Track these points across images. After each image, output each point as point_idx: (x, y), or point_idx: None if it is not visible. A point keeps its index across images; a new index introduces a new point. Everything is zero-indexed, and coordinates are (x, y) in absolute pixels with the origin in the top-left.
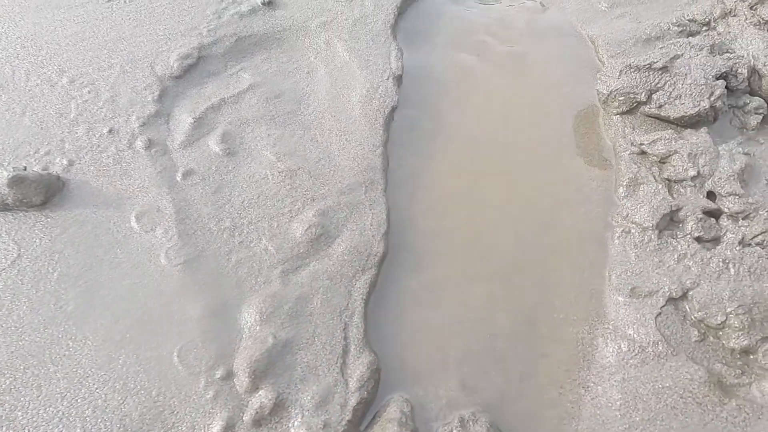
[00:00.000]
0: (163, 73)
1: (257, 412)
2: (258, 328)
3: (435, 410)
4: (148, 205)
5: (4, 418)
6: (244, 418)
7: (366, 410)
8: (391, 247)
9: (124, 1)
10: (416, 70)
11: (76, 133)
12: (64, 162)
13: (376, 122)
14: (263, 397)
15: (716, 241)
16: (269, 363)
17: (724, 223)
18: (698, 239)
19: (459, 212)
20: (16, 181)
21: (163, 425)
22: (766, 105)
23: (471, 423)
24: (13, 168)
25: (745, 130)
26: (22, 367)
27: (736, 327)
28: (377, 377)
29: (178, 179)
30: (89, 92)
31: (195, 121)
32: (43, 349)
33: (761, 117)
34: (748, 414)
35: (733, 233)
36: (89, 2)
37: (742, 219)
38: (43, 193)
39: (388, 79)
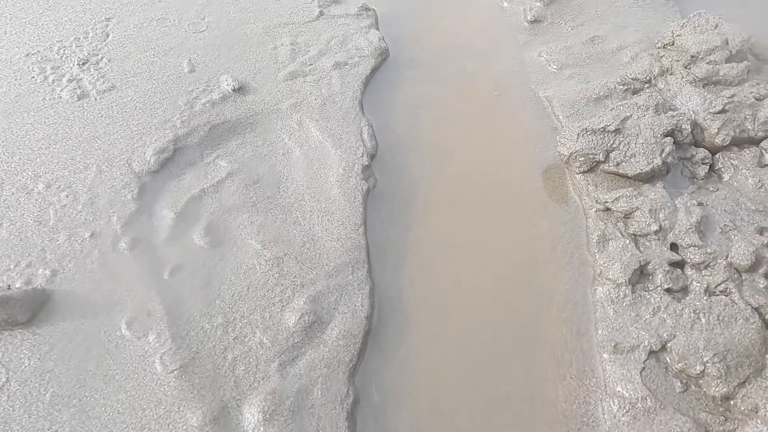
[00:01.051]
0: (140, 169)
1: None
2: (262, 429)
3: None
4: (138, 309)
5: None
6: None
7: None
8: (382, 323)
9: (95, 99)
10: (387, 141)
11: (57, 240)
12: (47, 272)
13: (355, 200)
14: None
15: (685, 290)
16: None
17: (689, 273)
18: (668, 290)
19: (442, 280)
20: (4, 301)
21: None
22: (710, 155)
23: None
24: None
25: (695, 179)
26: None
27: (714, 375)
28: None
29: (166, 277)
30: (67, 196)
31: (177, 216)
32: None
33: (707, 167)
34: None
35: (699, 282)
36: (59, 102)
37: (704, 269)
38: (29, 309)
39: (362, 156)
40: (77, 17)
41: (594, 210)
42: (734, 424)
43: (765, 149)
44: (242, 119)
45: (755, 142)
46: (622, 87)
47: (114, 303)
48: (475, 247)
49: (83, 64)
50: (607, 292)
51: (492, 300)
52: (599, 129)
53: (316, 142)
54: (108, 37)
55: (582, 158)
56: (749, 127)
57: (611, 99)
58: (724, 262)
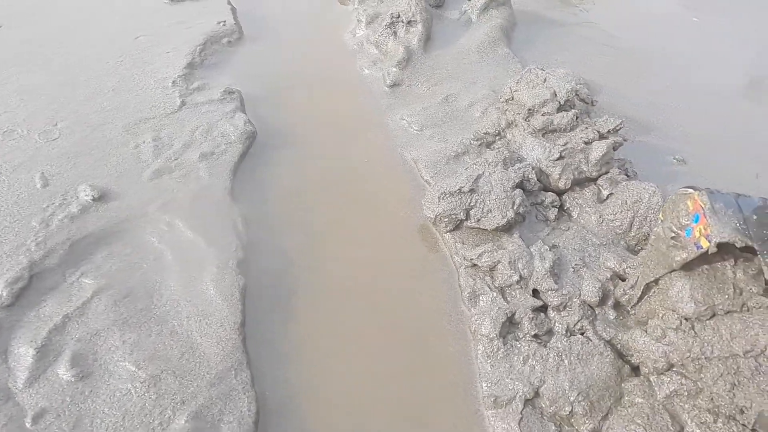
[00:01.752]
0: None
1: None
2: None
3: None
4: None
5: None
6: None
7: None
8: (272, 423)
9: None
10: (262, 229)
11: None
12: None
13: (233, 298)
14: None
15: (550, 333)
16: None
17: (552, 315)
18: (535, 336)
19: (331, 368)
20: None
21: None
22: (558, 198)
23: None
24: None
25: (548, 221)
26: None
27: (581, 414)
28: None
29: (29, 425)
30: None
31: (37, 351)
32: None
33: (557, 209)
34: None
35: (560, 324)
36: None
37: (563, 310)
38: None
39: (236, 250)
40: None
41: (463, 267)
42: None
43: (601, 186)
44: (106, 229)
45: (593, 180)
46: (476, 142)
47: None
48: (360, 328)
49: None
50: (484, 348)
51: (385, 380)
52: (456, 191)
53: (188, 242)
54: None
55: (446, 219)
56: (585, 168)
57: (468, 155)
58: (578, 301)
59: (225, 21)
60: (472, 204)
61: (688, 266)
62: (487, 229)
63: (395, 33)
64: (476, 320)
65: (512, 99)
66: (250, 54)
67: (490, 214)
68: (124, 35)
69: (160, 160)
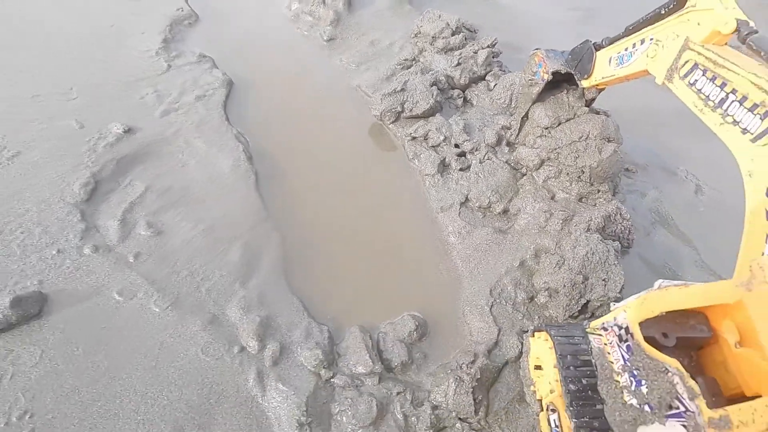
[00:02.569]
0: (74, 200)
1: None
2: (244, 315)
3: None
4: (121, 284)
5: None
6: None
7: None
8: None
9: (7, 164)
10: (255, 140)
11: (31, 262)
12: (35, 282)
13: (249, 180)
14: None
15: (469, 167)
16: (266, 330)
17: (469, 156)
18: (461, 169)
19: (328, 217)
20: (16, 301)
21: None
22: (462, 92)
23: None
24: (8, 293)
25: (458, 108)
26: None
27: (495, 201)
28: None
29: (132, 261)
30: (22, 233)
31: (120, 223)
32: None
33: (462, 99)
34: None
35: (475, 159)
36: None
37: (475, 151)
38: (37, 304)
39: (243, 151)
40: None
41: (406, 140)
42: (512, 222)
43: (489, 80)
44: (139, 151)
45: (482, 77)
46: (399, 67)
47: (99, 287)
48: (341, 186)
49: None
50: (429, 182)
51: (363, 216)
52: (392, 91)
53: (203, 151)
54: None
55: (389, 113)
56: (476, 69)
57: (395, 75)
58: (484, 144)
59: (182, 8)
60: (405, 99)
61: (541, 98)
62: (417, 116)
63: (324, 1)
64: (421, 167)
65: (419, 33)
66: (209, 30)
67: (418, 104)
68: (99, 24)
69: (164, 104)
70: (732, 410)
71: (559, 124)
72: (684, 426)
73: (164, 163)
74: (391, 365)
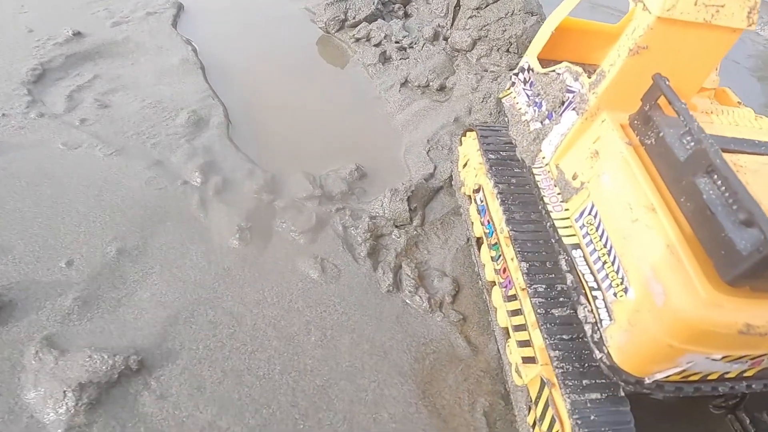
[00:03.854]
0: (21, 80)
1: None
2: (189, 160)
3: None
4: (66, 138)
5: None
6: None
7: None
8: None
9: None
10: (203, 46)
11: None
12: None
13: (197, 70)
14: None
15: (407, 56)
16: (210, 169)
17: (408, 50)
18: (401, 58)
19: (272, 95)
20: None
21: None
22: (403, 6)
23: None
24: None
25: (398, 18)
26: None
27: (433, 80)
28: None
29: (77, 124)
30: None
31: (67, 98)
32: None
33: (402, 12)
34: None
35: (413, 49)
36: None
37: (414, 45)
38: None
39: (191, 49)
40: None
41: (351, 42)
42: (448, 95)
43: None
44: (89, 50)
45: None
46: None
47: (45, 140)
48: (290, 80)
49: None
50: (371, 70)
51: (321, 111)
52: (334, 1)
53: (154, 51)
54: None
55: (332, 21)
56: None
57: None
58: (422, 38)
59: None
60: (347, 8)
61: None
62: (360, 21)
63: None
64: (362, 58)
65: None
66: None
67: (360, 11)
68: None
69: (115, 18)
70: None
71: (487, 5)
72: (574, 109)
73: (115, 60)
74: (331, 194)
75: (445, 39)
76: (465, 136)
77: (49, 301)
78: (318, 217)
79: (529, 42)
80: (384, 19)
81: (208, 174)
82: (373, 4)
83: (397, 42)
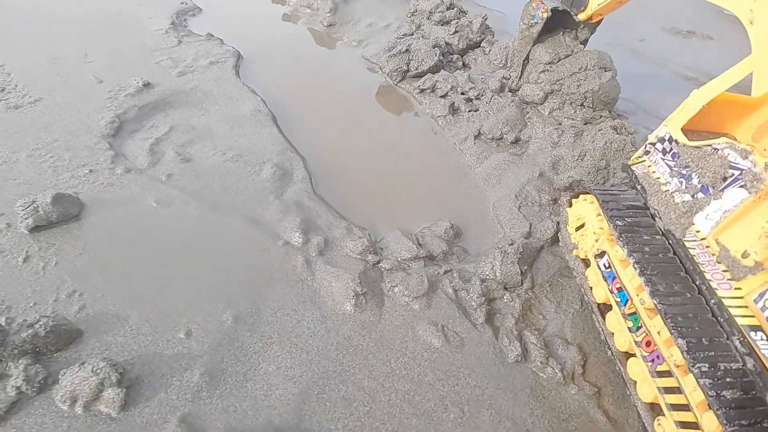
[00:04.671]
0: (101, 133)
1: None
2: (284, 217)
3: None
4: (157, 195)
5: None
6: None
7: None
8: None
9: (29, 107)
10: (269, 95)
11: (63, 178)
12: (71, 192)
13: (269, 121)
14: None
15: (477, 109)
16: (308, 227)
17: (475, 101)
18: (469, 111)
19: (343, 148)
20: (57, 198)
21: None
22: (461, 56)
23: None
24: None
25: (457, 69)
26: None
27: (507, 132)
28: None
29: (164, 180)
30: (51, 156)
31: (148, 152)
32: None
33: (461, 63)
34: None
35: (485, 99)
36: (4, 110)
37: (481, 97)
38: (78, 205)
39: (260, 101)
40: None
41: (415, 93)
42: (524, 148)
43: (483, 47)
44: (160, 101)
45: (478, 44)
46: (400, 39)
47: (135, 197)
48: (359, 131)
49: (2, 90)
50: (441, 122)
51: (385, 154)
52: (397, 52)
53: (223, 101)
54: (10, 75)
55: (395, 72)
56: (471, 37)
57: (397, 45)
58: (489, 91)
59: (185, 1)
60: (410, 59)
61: (540, 40)
62: (423, 72)
63: None
64: (430, 110)
65: (416, 11)
66: (214, 20)
67: (423, 62)
68: (107, 11)
69: (180, 68)
70: None
71: (558, 60)
72: (743, 185)
73: (186, 110)
74: (432, 255)
75: (512, 91)
76: (576, 198)
77: (175, 377)
78: (428, 280)
79: (606, 97)
80: (444, 69)
81: (308, 233)
82: (435, 55)
83: (463, 93)
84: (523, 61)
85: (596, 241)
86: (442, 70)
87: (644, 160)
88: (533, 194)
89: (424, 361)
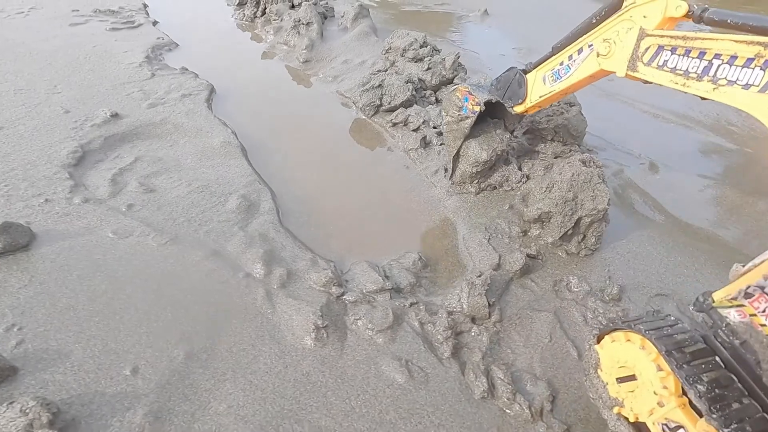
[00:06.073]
0: (62, 163)
1: None
2: (247, 249)
3: None
4: (115, 226)
5: None
6: None
7: None
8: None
9: None
10: (243, 127)
11: (16, 208)
12: (22, 223)
13: (239, 153)
14: None
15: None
16: (271, 259)
17: None
18: (441, 143)
19: (314, 179)
20: (5, 227)
21: None
22: (434, 91)
23: None
24: None
25: (430, 104)
26: None
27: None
28: None
29: (124, 210)
30: (6, 186)
31: (110, 182)
32: None
33: (434, 98)
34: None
35: None
36: None
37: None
38: (27, 235)
39: (231, 133)
40: None
41: (388, 126)
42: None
43: (456, 83)
44: (127, 132)
45: (451, 80)
46: (374, 75)
47: (92, 228)
48: (331, 163)
49: None
50: (413, 155)
51: (357, 187)
52: (371, 87)
53: (193, 132)
54: None
55: (368, 107)
56: (444, 73)
57: (370, 82)
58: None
59: (162, 36)
60: (383, 93)
61: (472, 134)
62: (395, 108)
63: (299, 32)
64: (402, 143)
65: (390, 48)
66: (189, 55)
67: (396, 96)
68: (82, 45)
69: (151, 99)
70: None
71: (496, 156)
72: None
73: (154, 141)
74: (399, 287)
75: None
76: (610, 334)
77: (116, 418)
78: (393, 311)
79: (574, 131)
80: (418, 104)
81: (270, 265)
82: (408, 90)
83: (435, 127)
84: (453, 157)
85: (659, 405)
86: (414, 105)
87: (743, 305)
88: (503, 226)
89: (387, 398)
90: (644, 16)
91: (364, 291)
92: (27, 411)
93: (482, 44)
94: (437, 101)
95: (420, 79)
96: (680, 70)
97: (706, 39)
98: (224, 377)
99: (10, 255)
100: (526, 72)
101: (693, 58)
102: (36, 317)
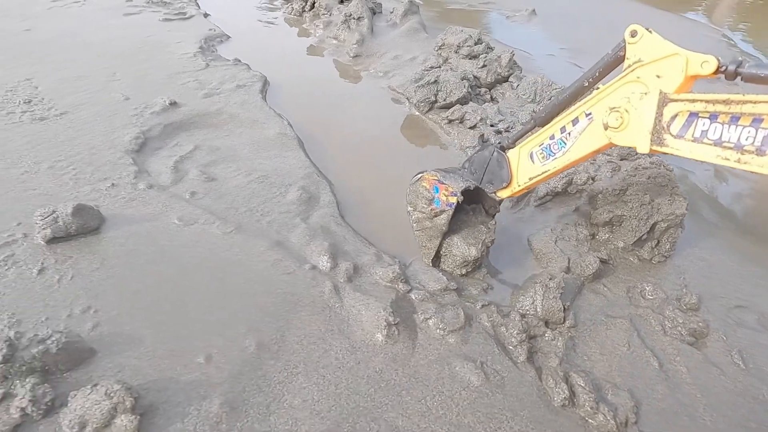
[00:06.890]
0: (125, 148)
1: None
2: (311, 240)
3: None
4: (180, 212)
5: None
6: None
7: None
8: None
9: (55, 119)
10: (297, 119)
11: (84, 191)
12: (93, 205)
13: (295, 144)
14: None
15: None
16: (336, 252)
17: (506, 135)
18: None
19: (371, 174)
20: (78, 210)
21: None
22: (488, 89)
23: None
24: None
25: (484, 102)
26: None
27: None
28: None
29: (188, 197)
30: (74, 169)
31: (172, 170)
32: None
33: (489, 96)
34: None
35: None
36: (29, 122)
37: (511, 130)
38: (98, 218)
39: (286, 123)
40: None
41: (443, 123)
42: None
43: (511, 82)
44: (185, 120)
45: (506, 79)
46: (427, 72)
47: (158, 214)
48: (386, 160)
49: (28, 102)
50: (469, 152)
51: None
52: (426, 83)
53: (249, 123)
54: (37, 88)
55: (422, 103)
56: (500, 71)
57: (423, 78)
58: (518, 122)
59: (214, 28)
60: (438, 90)
61: (452, 228)
62: (450, 104)
63: (349, 26)
64: (458, 140)
65: (443, 45)
66: (241, 47)
67: (452, 93)
68: (135, 36)
69: (206, 89)
70: None
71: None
72: None
73: (210, 131)
74: (463, 287)
75: None
76: None
77: (193, 406)
78: (465, 313)
79: None
80: (473, 102)
81: (336, 258)
82: (464, 87)
83: (492, 125)
84: (432, 259)
85: None
86: (470, 102)
87: None
88: (570, 228)
89: (463, 400)
90: (657, 76)
91: (431, 290)
92: (112, 395)
93: (530, 44)
94: (492, 99)
95: (475, 77)
96: (729, 142)
97: (759, 102)
98: (296, 370)
99: (82, 237)
100: (504, 149)
101: (745, 125)
102: (109, 300)
